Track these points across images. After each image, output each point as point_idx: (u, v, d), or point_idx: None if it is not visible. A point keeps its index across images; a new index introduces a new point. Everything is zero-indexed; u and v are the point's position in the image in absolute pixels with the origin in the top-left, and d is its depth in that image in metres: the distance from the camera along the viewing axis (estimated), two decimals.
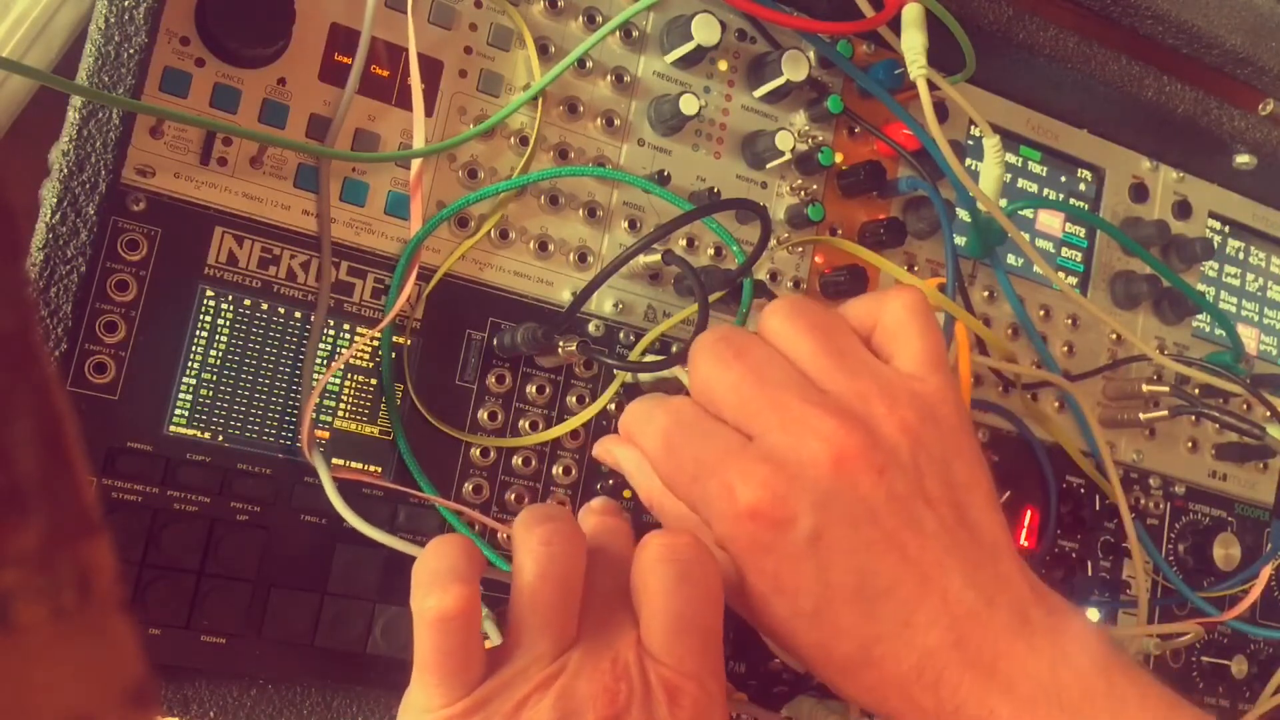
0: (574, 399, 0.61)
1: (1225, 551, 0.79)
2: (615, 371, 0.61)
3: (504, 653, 0.45)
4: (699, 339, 0.51)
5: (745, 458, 0.46)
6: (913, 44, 0.63)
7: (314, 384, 0.55)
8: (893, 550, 0.45)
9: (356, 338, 0.57)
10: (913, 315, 0.50)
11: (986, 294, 0.74)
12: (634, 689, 0.44)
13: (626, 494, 0.62)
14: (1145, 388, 0.76)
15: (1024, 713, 0.44)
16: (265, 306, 0.55)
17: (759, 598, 0.47)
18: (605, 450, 0.56)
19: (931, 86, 0.63)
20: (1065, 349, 0.77)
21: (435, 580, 0.44)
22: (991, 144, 0.66)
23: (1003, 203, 0.72)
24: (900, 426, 0.47)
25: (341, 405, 0.56)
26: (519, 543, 0.47)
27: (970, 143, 0.74)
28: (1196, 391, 0.77)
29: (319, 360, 0.56)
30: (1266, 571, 0.77)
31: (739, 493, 0.46)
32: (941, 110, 0.72)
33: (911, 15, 0.63)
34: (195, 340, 0.53)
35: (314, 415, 0.55)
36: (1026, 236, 0.76)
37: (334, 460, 0.56)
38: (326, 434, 0.56)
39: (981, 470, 0.49)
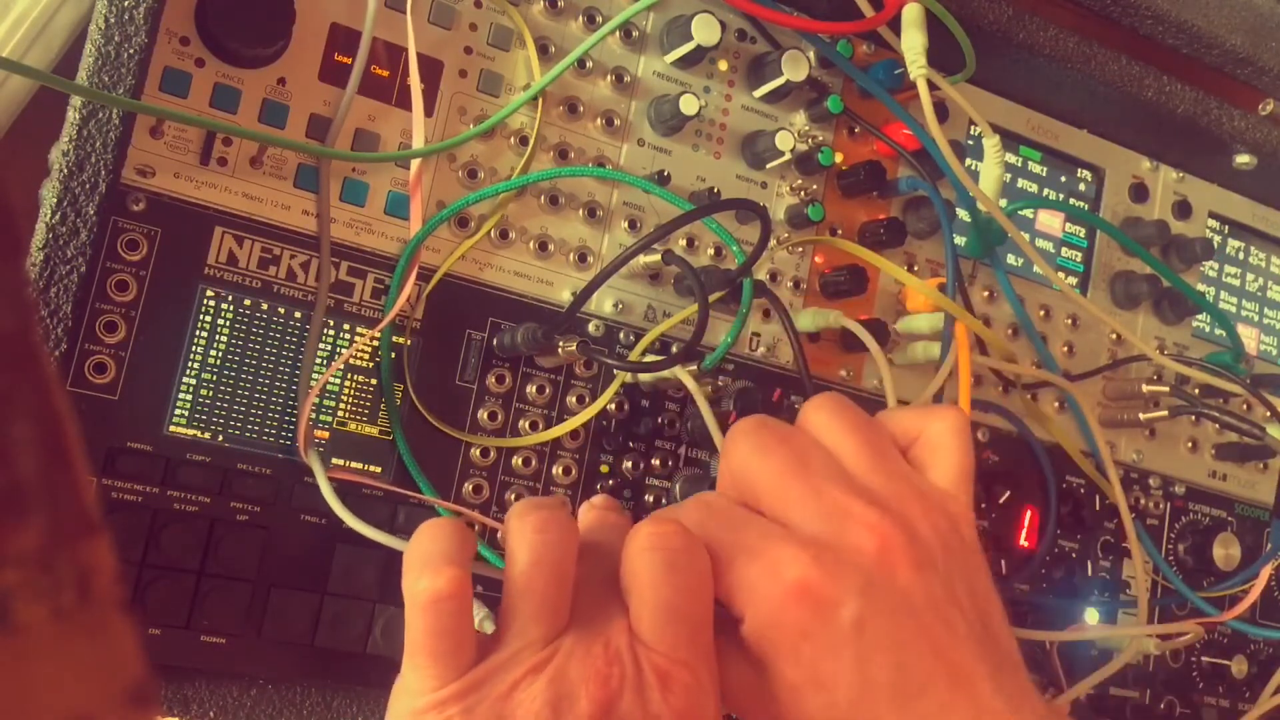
0: (574, 399, 0.61)
1: (1225, 551, 0.79)
2: (615, 371, 0.61)
3: (496, 638, 0.46)
4: (737, 425, 0.50)
5: (790, 541, 0.46)
6: (913, 44, 0.63)
7: (312, 384, 0.55)
8: (929, 648, 0.45)
9: (356, 338, 0.56)
10: (956, 435, 0.51)
11: (986, 294, 0.74)
12: (626, 674, 0.44)
13: (626, 494, 0.62)
14: (1145, 388, 0.76)
15: None
16: (265, 306, 0.55)
17: (788, 691, 0.46)
18: None
19: (931, 86, 0.63)
20: (1065, 349, 0.77)
21: (427, 563, 0.44)
22: (991, 144, 0.66)
23: (1003, 203, 0.72)
24: (934, 533, 0.47)
25: (341, 405, 0.56)
26: (513, 531, 0.47)
27: (970, 143, 0.74)
28: (1196, 391, 0.77)
29: (318, 361, 0.56)
30: (1266, 571, 0.77)
31: (785, 571, 0.45)
32: (941, 110, 0.72)
33: (911, 15, 0.63)
34: (195, 340, 0.53)
35: (311, 416, 0.55)
36: (1026, 236, 0.76)
37: (334, 460, 0.56)
38: (326, 434, 0.56)
39: (995, 592, 0.49)
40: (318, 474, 0.53)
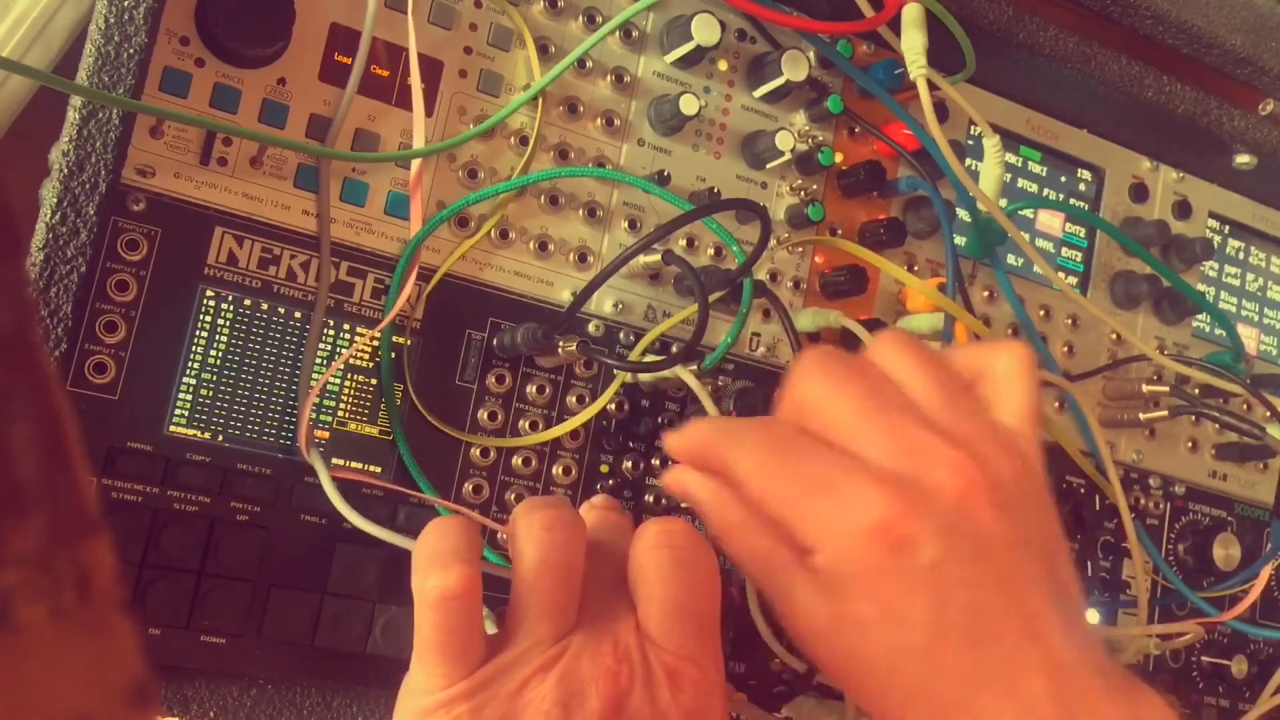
0: (574, 399, 0.61)
1: (1225, 551, 0.79)
2: (615, 371, 0.61)
3: (504, 637, 0.45)
4: (805, 354, 0.48)
5: (868, 476, 0.44)
6: (913, 44, 0.63)
7: (312, 384, 0.55)
8: (1004, 593, 0.44)
9: (356, 338, 0.56)
10: (1023, 371, 0.49)
11: (986, 294, 0.74)
12: (635, 671, 0.44)
13: (626, 494, 0.62)
14: (1145, 388, 0.76)
15: None
16: (265, 306, 0.55)
17: (860, 626, 0.44)
18: (677, 480, 0.50)
19: (931, 86, 0.63)
20: (1065, 349, 0.77)
21: (436, 560, 0.44)
22: (991, 144, 0.66)
23: (1002, 203, 0.72)
24: (1011, 471, 0.46)
25: (341, 405, 0.56)
26: (520, 529, 0.47)
27: (970, 143, 0.74)
28: (1196, 391, 0.77)
29: (318, 361, 0.56)
30: (1266, 571, 0.77)
31: (865, 508, 0.43)
32: (941, 110, 0.72)
33: (911, 15, 0.63)
34: (195, 340, 0.53)
35: (312, 416, 0.55)
36: (1026, 236, 0.76)
37: (334, 460, 0.56)
38: (326, 434, 0.56)
39: (1062, 531, 0.48)
40: (320, 473, 0.53)
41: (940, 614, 0.43)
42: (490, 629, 0.48)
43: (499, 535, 0.58)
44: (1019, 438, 0.48)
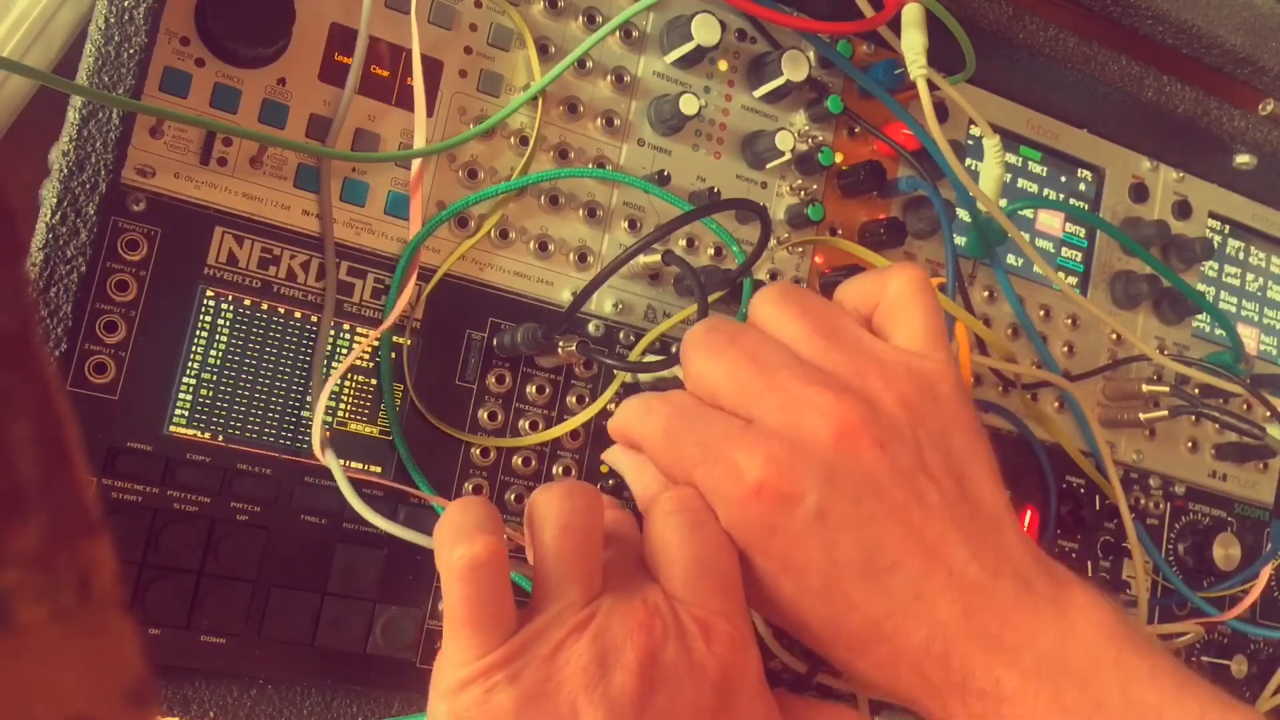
0: (574, 399, 0.61)
1: (1225, 551, 0.79)
2: (615, 371, 0.61)
3: (534, 605, 0.46)
4: (690, 332, 0.51)
5: (748, 437, 0.46)
6: (913, 44, 0.63)
7: (324, 383, 0.55)
8: (898, 524, 0.45)
9: (358, 338, 0.56)
10: (915, 292, 0.50)
11: (986, 294, 0.74)
12: (668, 625, 0.44)
13: (627, 494, 0.62)
14: (1145, 388, 0.76)
15: (1030, 682, 0.44)
16: (265, 307, 0.55)
17: (767, 578, 0.47)
18: (609, 456, 0.57)
19: (931, 86, 0.63)
20: (1065, 349, 0.77)
21: (460, 532, 0.45)
22: (991, 144, 0.66)
23: (1002, 203, 0.72)
24: (899, 401, 0.47)
25: (342, 405, 0.56)
26: (539, 505, 0.47)
27: (970, 143, 0.74)
28: (1196, 391, 0.77)
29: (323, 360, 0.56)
30: (1266, 571, 0.77)
31: (745, 471, 0.46)
32: (941, 110, 0.72)
33: (911, 15, 0.63)
34: (195, 340, 0.53)
35: (326, 418, 0.55)
36: (1026, 236, 0.76)
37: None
38: (327, 434, 0.56)
39: (982, 444, 0.49)
40: (336, 472, 0.53)
41: (833, 558, 0.45)
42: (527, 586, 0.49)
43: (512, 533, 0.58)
44: (916, 360, 0.49)
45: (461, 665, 0.43)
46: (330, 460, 0.53)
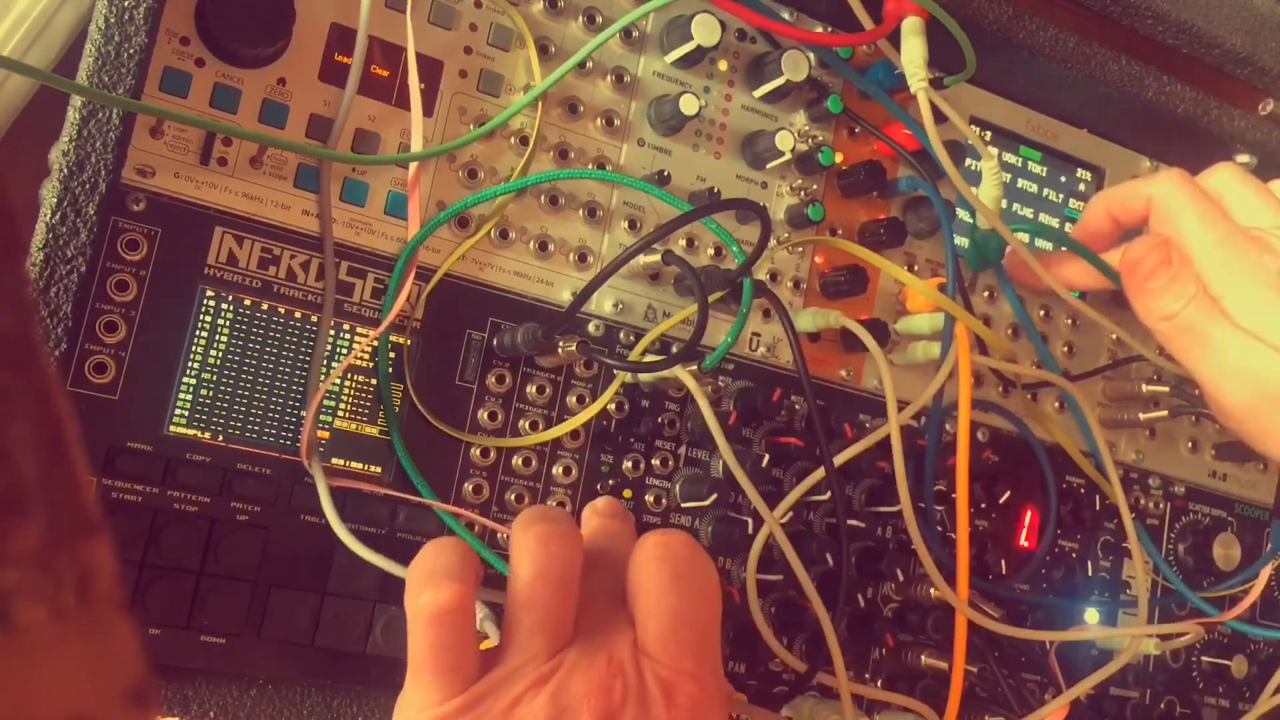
0: (574, 399, 0.61)
1: (1225, 551, 0.79)
2: (615, 371, 0.61)
3: (499, 652, 0.45)
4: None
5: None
6: (913, 56, 0.63)
7: (318, 388, 0.55)
8: None
9: (357, 338, 0.56)
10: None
11: (987, 294, 0.74)
12: (629, 686, 0.44)
13: (627, 494, 0.62)
14: (1145, 388, 0.76)
15: None
16: (265, 306, 0.55)
17: None
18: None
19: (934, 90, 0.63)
20: (1065, 349, 0.77)
21: (429, 578, 0.44)
22: (989, 166, 0.65)
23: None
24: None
25: (341, 405, 0.56)
26: (516, 542, 0.47)
27: (969, 143, 0.74)
28: (1196, 392, 0.77)
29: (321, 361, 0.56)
30: (1266, 571, 0.77)
31: None
32: (941, 114, 0.72)
33: (911, 24, 0.63)
34: (195, 340, 0.53)
35: (315, 423, 0.55)
36: (1026, 238, 0.76)
37: (334, 460, 0.56)
38: (326, 434, 0.56)
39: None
40: (320, 485, 0.53)
41: None
42: (491, 629, 0.48)
43: (500, 536, 0.58)
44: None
45: (422, 709, 0.44)
46: (316, 471, 0.53)
